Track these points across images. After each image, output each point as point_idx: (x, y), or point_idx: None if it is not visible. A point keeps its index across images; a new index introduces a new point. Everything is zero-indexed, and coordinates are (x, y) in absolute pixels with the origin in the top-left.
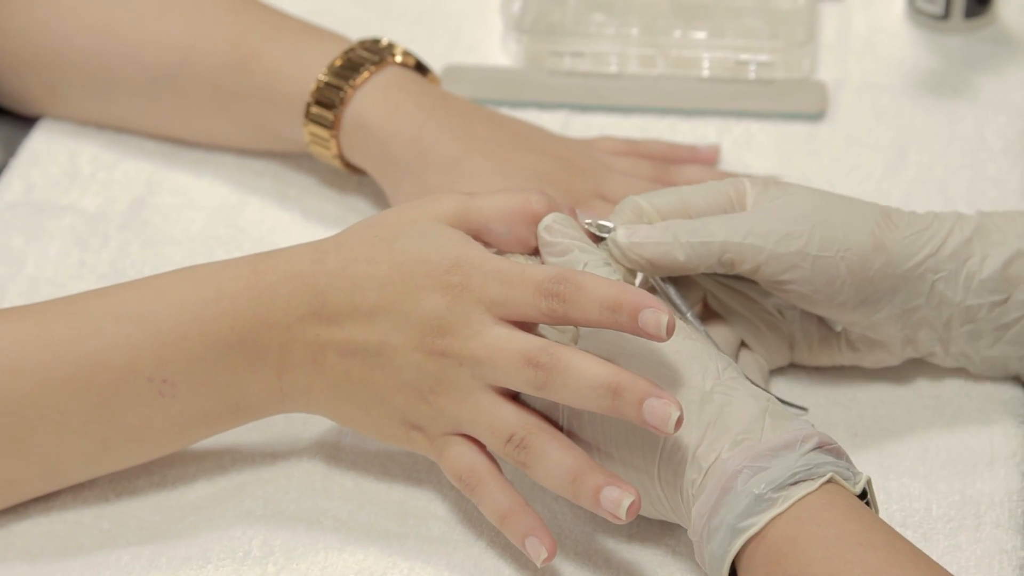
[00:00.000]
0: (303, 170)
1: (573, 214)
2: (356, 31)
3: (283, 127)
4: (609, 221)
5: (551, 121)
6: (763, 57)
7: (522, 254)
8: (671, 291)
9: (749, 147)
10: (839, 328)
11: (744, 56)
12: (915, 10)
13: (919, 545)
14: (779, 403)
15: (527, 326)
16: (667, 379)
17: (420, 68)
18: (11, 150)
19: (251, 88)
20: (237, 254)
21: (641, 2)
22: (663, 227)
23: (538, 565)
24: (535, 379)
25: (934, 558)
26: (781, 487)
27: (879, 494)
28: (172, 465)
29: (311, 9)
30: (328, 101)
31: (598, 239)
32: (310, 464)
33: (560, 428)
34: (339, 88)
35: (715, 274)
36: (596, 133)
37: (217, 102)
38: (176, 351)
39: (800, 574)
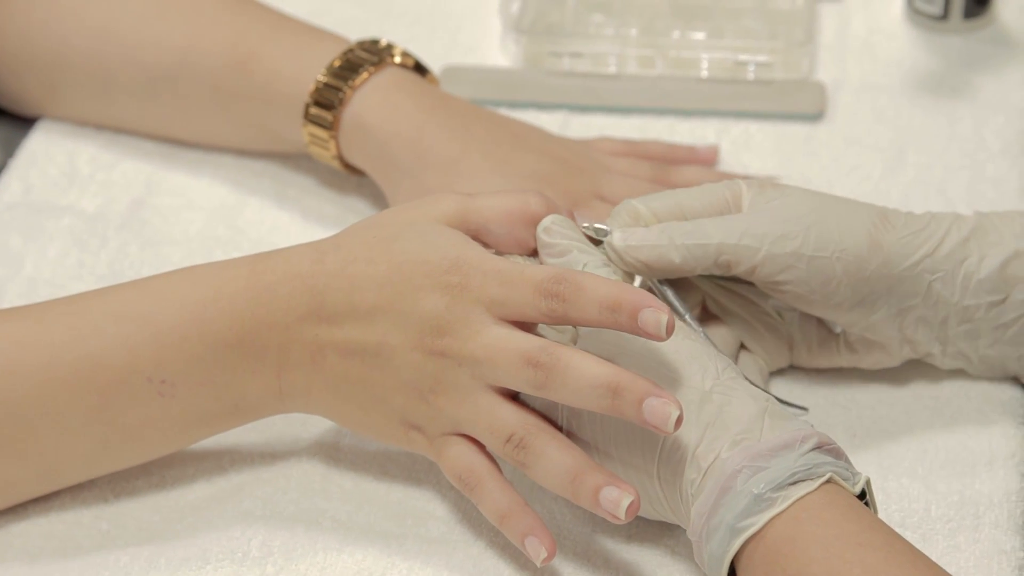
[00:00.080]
0: (302, 171)
1: (572, 216)
2: (355, 32)
3: (282, 128)
4: (605, 225)
5: (550, 122)
6: (762, 58)
7: (521, 255)
8: (669, 293)
9: (748, 148)
10: (838, 329)
11: (743, 57)
12: (914, 10)
13: (918, 546)
14: (778, 403)
15: (526, 326)
16: (666, 379)
17: (419, 69)
18: (10, 151)
19: (250, 89)
20: (236, 255)
21: (640, 3)
22: (659, 230)
23: (538, 565)
24: (535, 379)
25: (933, 558)
26: (780, 487)
27: (878, 495)
28: (171, 466)
29: (310, 10)
30: (327, 102)
31: (596, 242)
32: (309, 465)
33: (559, 428)
34: (338, 89)
35: (713, 276)
36: (595, 134)
37: (216, 103)
38: (175, 351)
39: (799, 574)
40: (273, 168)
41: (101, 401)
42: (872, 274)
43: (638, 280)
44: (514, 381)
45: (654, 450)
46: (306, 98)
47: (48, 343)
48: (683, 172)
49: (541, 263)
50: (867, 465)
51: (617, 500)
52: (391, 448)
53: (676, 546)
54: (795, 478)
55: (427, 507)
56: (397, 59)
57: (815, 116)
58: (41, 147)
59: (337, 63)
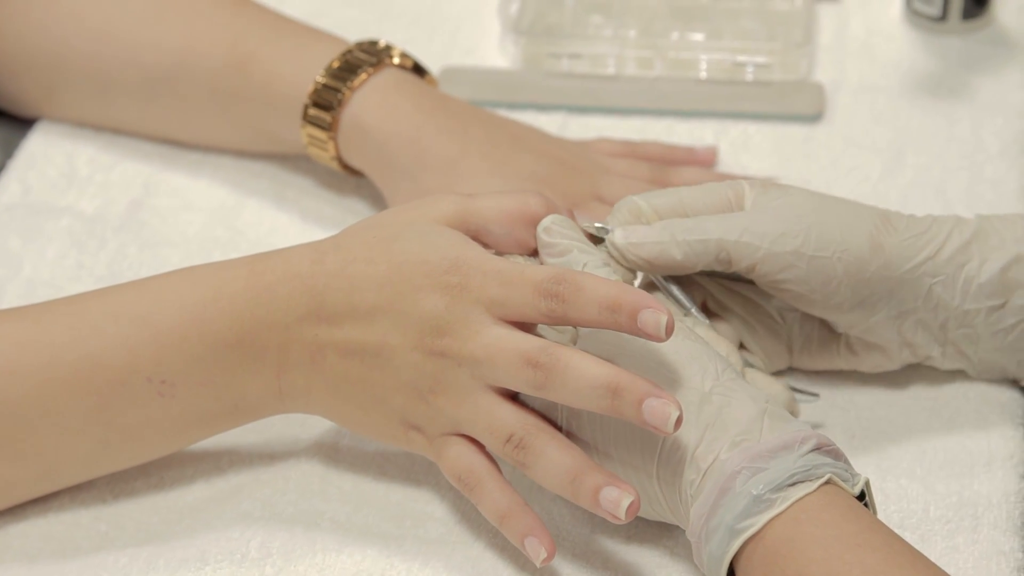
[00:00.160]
0: (301, 172)
1: (571, 215)
2: (354, 33)
3: (281, 129)
4: (607, 222)
5: (549, 123)
6: (760, 59)
7: (521, 255)
8: (674, 288)
9: (747, 149)
10: (841, 329)
11: (741, 58)
12: (912, 12)
13: (917, 547)
14: (778, 404)
15: (526, 326)
16: (666, 380)
17: (418, 70)
18: (9, 152)
19: (249, 90)
20: (235, 256)
21: (638, 4)
22: (660, 227)
23: (537, 565)
24: (534, 379)
25: (932, 559)
26: (779, 488)
27: (877, 495)
28: (170, 467)
29: (309, 11)
30: (326, 103)
31: (596, 241)
32: (308, 466)
33: (559, 428)
34: (337, 90)
35: (715, 276)
36: (594, 135)
37: (215, 104)
38: (175, 352)
39: (798, 575)
40: (272, 169)
41: (101, 401)
42: (873, 276)
43: (639, 279)
44: (514, 381)
45: (653, 450)
46: (305, 99)
47: (48, 343)
48: (682, 173)
49: (541, 263)
50: (866, 466)
51: (617, 500)
52: (390, 449)
53: (675, 547)
54: (794, 479)
55: (426, 508)
56: (396, 60)
57: (814, 117)
58: (40, 148)
59: (336, 64)
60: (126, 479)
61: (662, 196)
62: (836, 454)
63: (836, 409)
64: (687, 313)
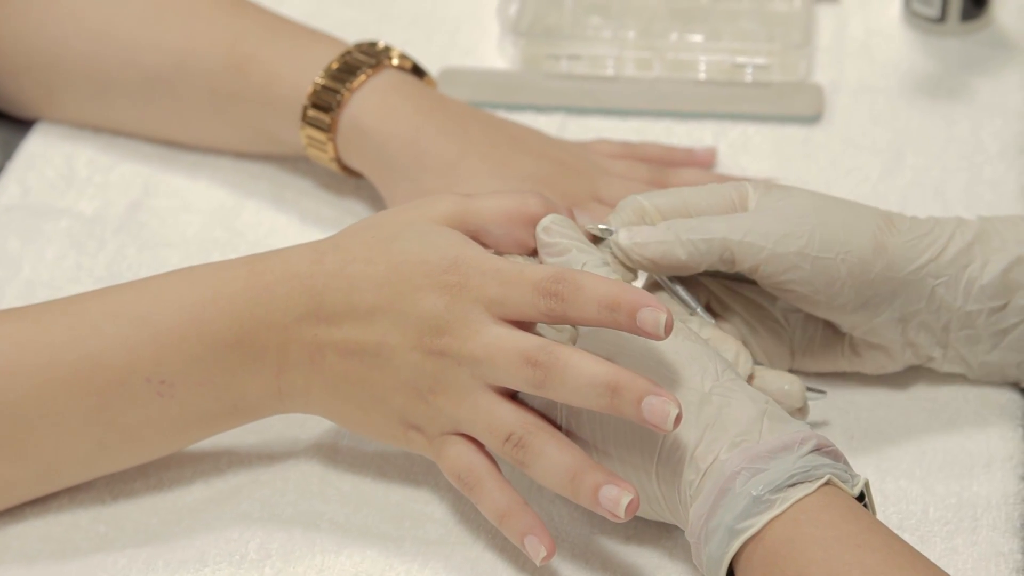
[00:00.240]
0: (300, 173)
1: (571, 215)
2: (353, 34)
3: (280, 130)
4: (609, 222)
5: (548, 124)
6: (759, 60)
7: (520, 255)
8: (679, 288)
9: (746, 150)
10: (844, 330)
11: (740, 59)
12: (911, 13)
13: (916, 547)
14: (779, 404)
15: (526, 325)
16: (666, 380)
17: (417, 71)
18: (8, 153)
19: (247, 91)
20: (234, 257)
21: (637, 5)
22: (664, 227)
23: (537, 563)
24: (534, 378)
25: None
26: (779, 489)
27: (876, 496)
28: (169, 468)
29: (307, 12)
30: (325, 104)
31: (598, 241)
32: (307, 467)
33: (558, 427)
34: (336, 91)
35: (719, 277)
36: (593, 136)
37: (213, 105)
38: (174, 352)
39: (798, 575)
40: (271, 170)
41: (100, 401)
42: (876, 277)
43: (641, 279)
44: (513, 380)
45: (653, 450)
46: (304, 100)
47: (47, 344)
48: (681, 174)
49: (541, 263)
50: (865, 467)
51: (616, 498)
52: (389, 450)
53: (674, 548)
54: (794, 480)
55: (425, 509)
56: (395, 61)
57: (813, 118)
58: (39, 149)
59: (335, 65)
60: (125, 480)
61: (665, 196)
62: (835, 455)
63: (836, 410)
64: (692, 313)
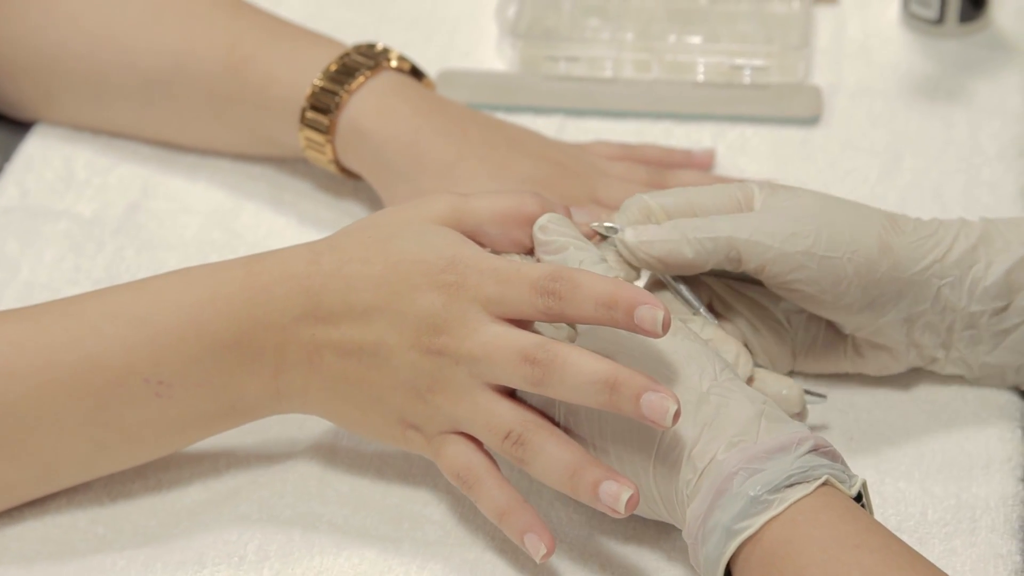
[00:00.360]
0: (298, 175)
1: (568, 214)
2: (351, 36)
3: (278, 132)
4: (615, 221)
5: (546, 126)
6: (758, 62)
7: (517, 255)
8: (682, 288)
9: (744, 151)
10: (848, 331)
11: (739, 61)
12: (909, 14)
13: (915, 549)
14: (778, 405)
15: (523, 324)
16: (663, 379)
17: (415, 73)
18: (6, 155)
19: (246, 93)
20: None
21: (636, 7)
22: (670, 225)
23: (537, 561)
24: (532, 375)
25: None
26: (777, 489)
27: (875, 498)
28: (167, 469)
29: (306, 14)
30: (323, 106)
31: (603, 239)
32: (306, 468)
33: (556, 425)
34: (334, 93)
35: (722, 277)
36: (591, 138)
37: (212, 107)
38: (172, 352)
39: None
40: (269, 172)
41: (98, 402)
42: (883, 276)
43: (643, 278)
44: (512, 378)
45: (651, 448)
46: (302, 102)
47: (45, 345)
48: (679, 176)
49: (538, 262)
50: (864, 468)
51: (616, 494)
52: (388, 452)
53: (672, 550)
54: (791, 480)
55: (424, 511)
56: (393, 63)
57: (811, 120)
58: (37, 151)
59: (333, 67)
60: (123, 481)
61: (671, 196)
62: (833, 455)
63: (835, 411)
64: (695, 313)
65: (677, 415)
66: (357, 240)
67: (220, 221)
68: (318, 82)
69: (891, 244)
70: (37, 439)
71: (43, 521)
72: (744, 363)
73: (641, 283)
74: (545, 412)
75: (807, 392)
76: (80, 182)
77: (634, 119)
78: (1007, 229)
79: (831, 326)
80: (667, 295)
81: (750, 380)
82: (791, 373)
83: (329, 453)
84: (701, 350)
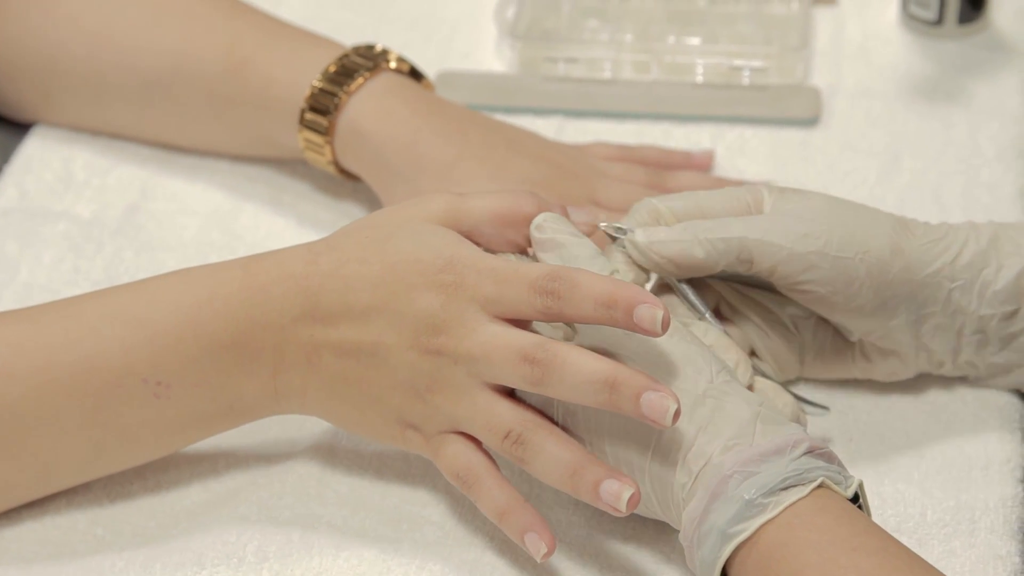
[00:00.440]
0: (297, 176)
1: (565, 212)
2: (350, 37)
3: (277, 133)
4: (623, 223)
5: (545, 127)
6: (757, 63)
7: (513, 254)
8: (688, 291)
9: (743, 153)
10: (855, 338)
11: (738, 62)
12: (908, 16)
13: (914, 550)
14: (772, 407)
15: (522, 323)
16: (660, 380)
17: (414, 74)
18: (5, 156)
19: (245, 94)
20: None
21: (635, 8)
22: (681, 227)
23: (538, 560)
24: (531, 375)
25: (929, 563)
26: (772, 492)
27: (874, 499)
28: (166, 470)
29: (305, 15)
30: (322, 107)
31: (612, 241)
32: (305, 469)
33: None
34: (333, 94)
35: (731, 280)
36: (590, 139)
37: (211, 108)
38: (170, 353)
39: None
40: (268, 173)
41: (97, 403)
42: (894, 278)
43: (652, 281)
44: (510, 378)
45: (646, 451)
46: (301, 103)
47: (43, 345)
48: (678, 177)
49: (536, 260)
50: (863, 470)
51: (618, 493)
52: (387, 453)
53: (672, 551)
54: (786, 483)
55: (422, 512)
56: (392, 64)
57: (810, 121)
58: (36, 152)
59: (332, 68)
60: (122, 483)
61: (680, 199)
62: (829, 457)
63: (834, 412)
64: (700, 318)
65: (677, 414)
66: (355, 240)
67: (219, 222)
68: (317, 83)
69: (902, 246)
70: (36, 440)
71: (42, 522)
72: (743, 371)
73: (649, 287)
74: (544, 412)
75: (809, 403)
76: (79, 183)
77: (633, 120)
78: (1017, 233)
79: (839, 333)
80: (673, 299)
81: (749, 389)
82: (798, 379)
83: (328, 454)
84: (698, 351)
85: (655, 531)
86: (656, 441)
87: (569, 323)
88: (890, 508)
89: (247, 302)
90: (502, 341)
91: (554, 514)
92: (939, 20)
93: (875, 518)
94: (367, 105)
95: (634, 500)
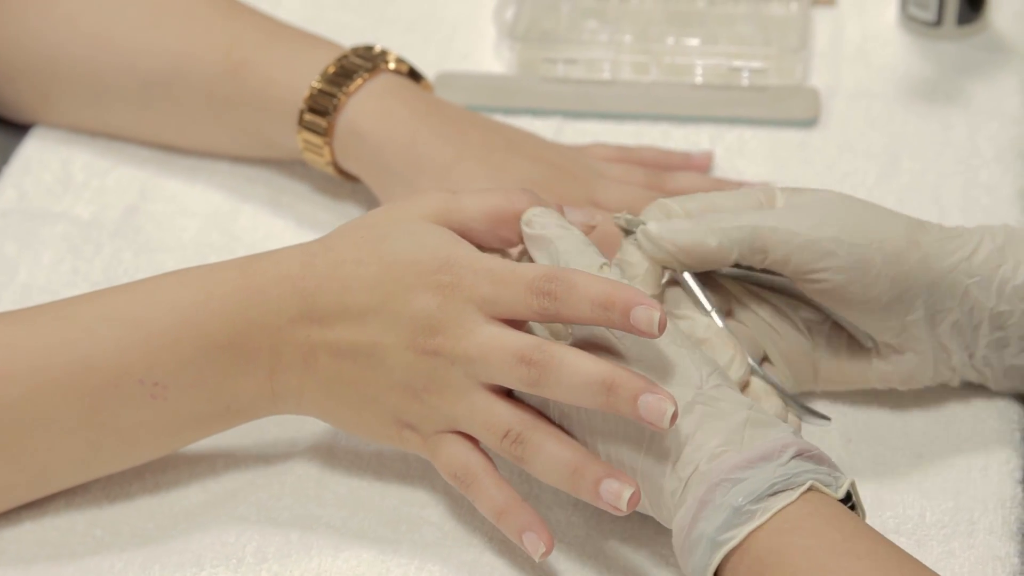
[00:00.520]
0: (296, 177)
1: (561, 210)
2: (349, 38)
3: (276, 134)
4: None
5: (544, 128)
6: (756, 64)
7: (509, 253)
8: (693, 283)
9: (742, 154)
10: (870, 344)
11: (737, 63)
12: (907, 17)
13: (913, 551)
14: (765, 412)
15: (518, 324)
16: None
17: (413, 75)
18: (4, 157)
19: (244, 95)
20: None
21: (634, 9)
22: (695, 219)
23: (536, 559)
24: (528, 377)
25: (928, 564)
26: (760, 499)
27: (872, 500)
28: (165, 471)
29: (304, 16)
30: (321, 108)
31: (627, 234)
32: (303, 470)
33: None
34: (332, 95)
35: (744, 280)
36: (589, 140)
37: (210, 110)
38: (167, 354)
39: None
40: (267, 174)
41: (93, 404)
42: (911, 269)
43: (665, 278)
44: (508, 379)
45: (637, 457)
46: (300, 104)
47: (40, 346)
48: (677, 178)
49: (524, 252)
50: (862, 470)
51: (618, 492)
52: (385, 453)
53: (670, 553)
54: (775, 489)
55: (421, 513)
56: (391, 65)
57: (809, 122)
58: (35, 154)
59: (331, 69)
60: (121, 483)
61: (693, 200)
62: (819, 459)
63: (833, 413)
64: (705, 313)
65: (675, 417)
66: (351, 241)
67: (218, 223)
68: (316, 84)
69: (919, 240)
70: (33, 441)
71: (41, 523)
72: (738, 366)
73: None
74: (541, 411)
75: (812, 413)
76: (78, 184)
77: (632, 121)
78: None
79: (854, 339)
80: (678, 293)
81: (745, 387)
82: (810, 394)
83: (327, 455)
84: (688, 355)
85: (654, 531)
86: (647, 448)
87: (566, 324)
88: (889, 509)
89: (243, 303)
90: (499, 342)
91: (553, 514)
92: (938, 21)
93: (874, 519)
94: (366, 106)
95: (634, 499)
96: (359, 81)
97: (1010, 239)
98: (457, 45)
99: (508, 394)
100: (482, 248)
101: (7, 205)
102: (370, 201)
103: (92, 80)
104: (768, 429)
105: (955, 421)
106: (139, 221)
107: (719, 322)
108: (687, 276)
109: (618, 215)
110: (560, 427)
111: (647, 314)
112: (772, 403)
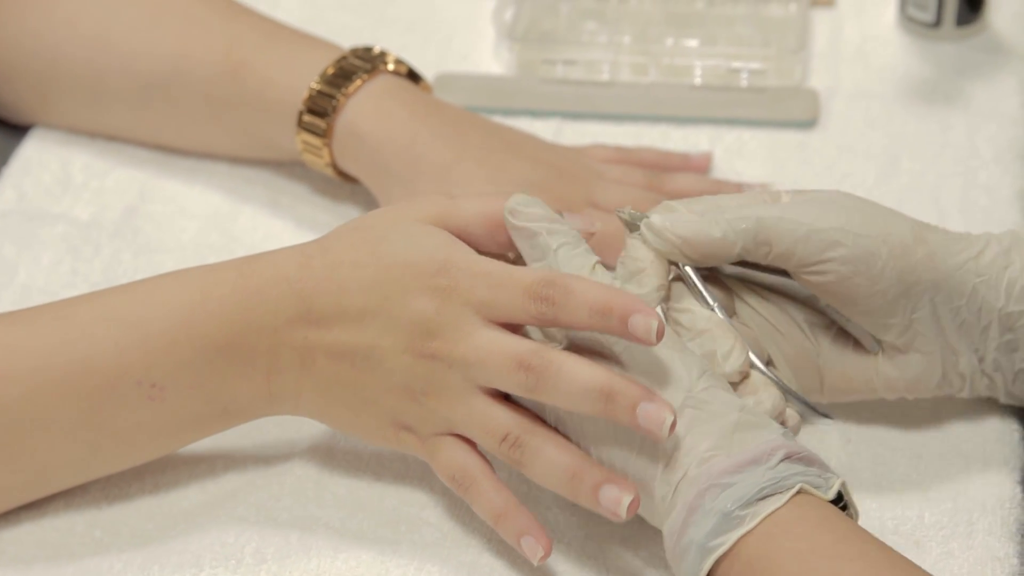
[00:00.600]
0: (295, 178)
1: (559, 212)
2: (348, 39)
3: (275, 135)
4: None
5: (543, 129)
6: (755, 65)
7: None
8: (695, 277)
9: (741, 155)
10: (875, 349)
11: (736, 64)
12: (906, 18)
13: (912, 552)
14: (756, 413)
15: (515, 328)
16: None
17: (412, 76)
18: (3, 158)
19: (243, 97)
20: None
21: (633, 10)
22: (699, 212)
23: (534, 563)
24: (526, 382)
25: (926, 565)
26: (748, 504)
27: (872, 501)
28: (164, 472)
29: (303, 17)
30: (320, 109)
31: (633, 228)
32: (303, 471)
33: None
34: (331, 96)
35: (747, 280)
36: (588, 141)
37: (209, 111)
38: (165, 355)
39: None
40: (266, 176)
41: (91, 405)
42: (918, 263)
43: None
44: (505, 384)
45: (628, 462)
46: (299, 106)
47: (38, 348)
48: (677, 179)
49: (516, 254)
50: (861, 471)
51: (617, 498)
52: (385, 455)
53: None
54: (763, 493)
55: (420, 513)
56: (390, 66)
57: (808, 123)
58: (35, 155)
59: (330, 71)
60: (120, 484)
61: (700, 203)
62: (808, 460)
63: (832, 413)
64: (708, 307)
65: (673, 425)
66: (348, 242)
67: (217, 224)
68: (315, 85)
69: (925, 236)
70: (31, 442)
71: (40, 524)
72: (736, 357)
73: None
74: (538, 415)
75: (815, 412)
76: (77, 185)
77: (631, 122)
78: None
79: (860, 344)
80: (680, 287)
81: (743, 377)
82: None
83: (326, 456)
84: (679, 357)
85: (653, 532)
86: (638, 449)
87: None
88: (888, 510)
89: (241, 304)
90: (497, 347)
91: (551, 515)
92: (937, 22)
93: (872, 520)
94: (365, 107)
95: (634, 505)
96: (358, 82)
97: (1016, 243)
98: (456, 46)
99: (506, 397)
100: (480, 252)
101: (6, 206)
102: (369, 202)
103: (91, 81)
104: (758, 431)
105: (955, 422)
106: (138, 222)
107: (724, 316)
108: (689, 270)
109: (621, 209)
110: (555, 427)
111: (645, 322)
112: (770, 394)
